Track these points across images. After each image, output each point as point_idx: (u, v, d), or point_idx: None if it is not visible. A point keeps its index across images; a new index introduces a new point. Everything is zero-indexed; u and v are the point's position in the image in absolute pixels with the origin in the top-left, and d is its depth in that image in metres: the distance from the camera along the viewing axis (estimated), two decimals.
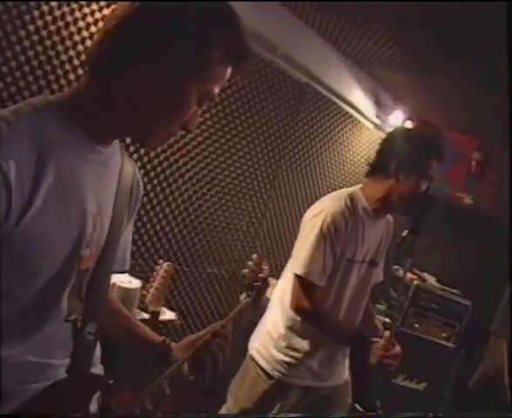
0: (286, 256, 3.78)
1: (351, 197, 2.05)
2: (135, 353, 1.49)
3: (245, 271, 1.38)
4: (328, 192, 4.00)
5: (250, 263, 1.38)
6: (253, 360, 2.15)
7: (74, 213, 0.94)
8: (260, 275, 1.36)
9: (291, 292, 2.02)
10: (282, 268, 2.20)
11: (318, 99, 3.66)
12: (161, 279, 2.28)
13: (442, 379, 3.87)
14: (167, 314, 2.47)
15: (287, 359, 2.09)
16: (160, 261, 2.37)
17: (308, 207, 4.09)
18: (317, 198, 3.89)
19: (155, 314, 2.28)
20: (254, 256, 1.39)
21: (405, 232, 2.05)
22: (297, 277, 1.98)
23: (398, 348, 2.08)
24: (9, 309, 0.90)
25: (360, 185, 2.12)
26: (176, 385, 1.18)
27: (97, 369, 1.13)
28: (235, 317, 1.28)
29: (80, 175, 0.94)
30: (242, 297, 3.89)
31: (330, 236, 1.94)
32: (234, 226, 3.37)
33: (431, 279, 4.27)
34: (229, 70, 0.97)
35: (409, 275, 4.13)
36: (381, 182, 2.03)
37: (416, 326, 3.94)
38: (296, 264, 2.00)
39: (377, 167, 2.08)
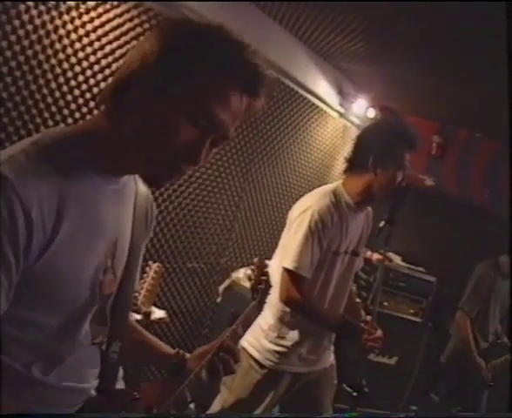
0: (260, 247, 3.90)
1: (334, 193, 2.15)
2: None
3: (249, 273, 1.44)
4: (298, 182, 4.16)
5: (253, 267, 1.44)
6: (245, 351, 2.22)
7: (94, 244, 0.95)
8: (263, 278, 1.41)
9: (280, 284, 2.11)
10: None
11: (286, 93, 3.75)
12: (151, 280, 2.33)
13: (412, 352, 4.08)
14: (157, 313, 2.53)
15: (278, 348, 2.19)
16: (150, 262, 2.43)
17: (280, 198, 4.19)
18: (288, 189, 4.05)
19: (147, 315, 2.34)
20: (256, 259, 1.45)
21: (382, 223, 2.20)
22: (286, 270, 2.08)
23: (380, 332, 2.23)
24: (36, 337, 0.92)
25: (341, 181, 2.22)
26: (196, 391, 1.22)
27: (120, 385, 1.17)
28: (244, 321, 1.32)
29: (99, 206, 0.95)
30: (220, 288, 3.90)
31: (317, 231, 2.05)
32: (211, 220, 3.44)
33: (396, 259, 4.42)
34: (238, 98, 0.92)
35: (376, 255, 4.31)
36: (360, 177, 2.14)
37: (385, 304, 4.12)
38: (286, 258, 2.08)
39: (355, 163, 2.18)
